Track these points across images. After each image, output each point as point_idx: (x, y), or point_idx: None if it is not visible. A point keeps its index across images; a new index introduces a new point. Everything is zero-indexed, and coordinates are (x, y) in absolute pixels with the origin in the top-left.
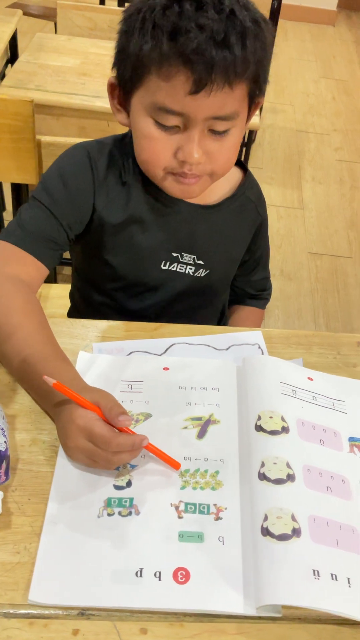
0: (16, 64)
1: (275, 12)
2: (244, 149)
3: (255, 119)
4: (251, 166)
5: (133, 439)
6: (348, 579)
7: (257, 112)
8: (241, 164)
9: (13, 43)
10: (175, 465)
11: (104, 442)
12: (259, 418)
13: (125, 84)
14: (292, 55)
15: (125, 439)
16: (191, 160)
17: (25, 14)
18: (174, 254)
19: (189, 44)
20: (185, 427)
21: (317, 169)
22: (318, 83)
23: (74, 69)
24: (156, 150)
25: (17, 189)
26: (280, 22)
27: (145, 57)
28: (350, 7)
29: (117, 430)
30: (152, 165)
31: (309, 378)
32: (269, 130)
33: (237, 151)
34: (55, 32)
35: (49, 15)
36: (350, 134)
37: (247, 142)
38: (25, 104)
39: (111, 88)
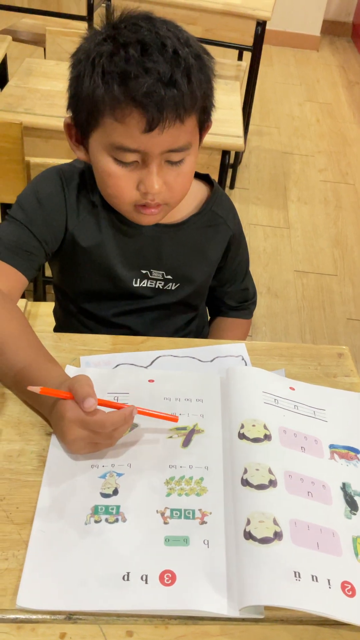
0: (5, 88)
1: (259, 38)
2: (230, 170)
3: (238, 141)
4: (238, 187)
5: (124, 413)
6: (328, 580)
7: (242, 134)
8: (209, 179)
9: (3, 68)
10: (172, 419)
11: (100, 425)
12: (242, 426)
13: (81, 126)
14: (277, 80)
15: (118, 416)
16: (153, 191)
17: (14, 39)
18: (143, 271)
19: (139, 88)
20: (171, 437)
21: (302, 190)
22: (303, 106)
23: (63, 93)
24: (120, 186)
25: (7, 209)
26: (266, 47)
27: (98, 101)
28: (333, 33)
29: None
30: (119, 200)
31: (290, 388)
32: (255, 152)
33: (192, 176)
34: (45, 57)
35: (38, 41)
36: (334, 155)
37: (234, 163)
38: (13, 127)
39: (68, 128)
